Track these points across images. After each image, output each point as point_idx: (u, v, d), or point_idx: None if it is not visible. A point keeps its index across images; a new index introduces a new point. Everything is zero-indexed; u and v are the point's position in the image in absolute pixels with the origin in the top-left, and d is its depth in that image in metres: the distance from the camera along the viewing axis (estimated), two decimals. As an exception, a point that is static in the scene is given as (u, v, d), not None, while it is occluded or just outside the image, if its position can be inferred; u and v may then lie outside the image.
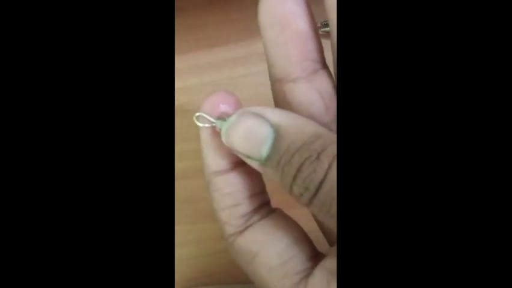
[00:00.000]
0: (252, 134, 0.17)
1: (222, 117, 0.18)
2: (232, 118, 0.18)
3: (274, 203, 0.21)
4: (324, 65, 0.19)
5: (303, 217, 0.20)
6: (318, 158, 0.16)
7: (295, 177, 0.16)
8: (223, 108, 0.18)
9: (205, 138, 0.19)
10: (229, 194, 0.19)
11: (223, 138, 0.18)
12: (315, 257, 0.19)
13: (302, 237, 0.19)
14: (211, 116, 0.18)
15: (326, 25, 0.32)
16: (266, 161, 0.17)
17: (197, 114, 0.19)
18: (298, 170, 0.16)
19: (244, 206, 0.19)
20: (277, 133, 0.17)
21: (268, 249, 0.18)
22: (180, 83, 0.34)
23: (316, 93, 0.19)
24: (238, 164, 0.19)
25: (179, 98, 0.34)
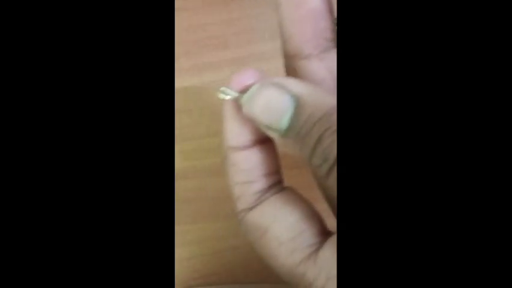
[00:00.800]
0: (273, 104, 0.17)
1: (245, 90, 0.18)
2: (254, 88, 0.18)
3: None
4: (335, 46, 0.19)
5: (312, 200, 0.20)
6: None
7: (314, 148, 0.16)
8: (249, 82, 0.18)
9: (227, 111, 0.19)
10: (245, 170, 0.19)
11: (244, 109, 0.18)
12: (325, 233, 0.19)
13: (312, 213, 0.19)
14: (234, 90, 0.18)
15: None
16: (286, 131, 0.17)
17: (221, 88, 0.18)
18: (318, 140, 0.16)
19: (259, 184, 0.19)
20: (298, 103, 0.17)
21: (279, 224, 0.18)
22: (180, 83, 0.34)
23: (327, 71, 0.19)
24: (257, 141, 0.19)
25: (180, 98, 0.34)
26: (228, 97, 0.18)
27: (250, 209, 0.19)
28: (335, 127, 0.16)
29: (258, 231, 0.19)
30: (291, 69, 0.20)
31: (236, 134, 0.19)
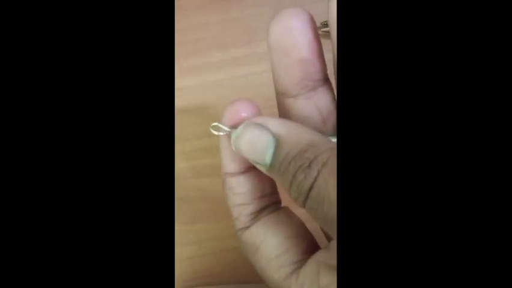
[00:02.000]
0: (256, 143, 0.19)
1: (236, 126, 0.20)
2: (239, 129, 0.20)
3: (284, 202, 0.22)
4: (325, 82, 0.21)
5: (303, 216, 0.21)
6: (309, 166, 0.17)
7: (291, 182, 0.18)
8: (240, 116, 0.20)
9: (223, 142, 0.21)
10: (240, 193, 0.21)
11: (233, 146, 0.20)
12: (310, 251, 0.20)
13: (301, 232, 0.21)
14: (225, 125, 0.20)
15: (326, 25, 0.32)
16: (270, 167, 0.19)
17: (213, 124, 0.20)
18: (294, 176, 0.18)
19: (252, 206, 0.21)
20: (278, 142, 0.18)
21: (268, 242, 0.20)
22: (180, 83, 0.34)
23: (314, 108, 0.21)
24: (251, 168, 0.21)
25: (179, 98, 0.34)
26: (220, 133, 0.20)
27: (246, 228, 0.21)
28: (307, 164, 0.17)
29: (252, 248, 0.21)
30: (281, 104, 0.21)
31: (230, 161, 0.21)
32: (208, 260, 0.33)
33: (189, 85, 0.35)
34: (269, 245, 0.20)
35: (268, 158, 0.19)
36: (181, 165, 0.34)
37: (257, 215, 0.21)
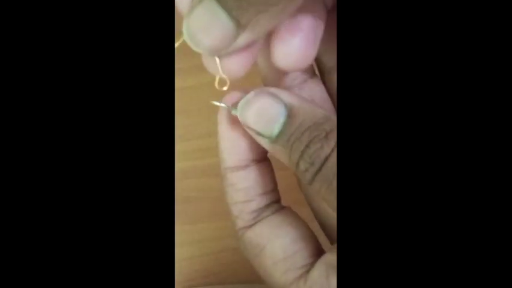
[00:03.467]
0: (266, 111, 0.18)
1: (236, 104, 0.19)
2: (249, 95, 0.19)
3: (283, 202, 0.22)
4: (313, 75, 0.21)
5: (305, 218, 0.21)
6: (326, 136, 0.17)
7: (303, 152, 0.17)
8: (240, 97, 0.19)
9: (223, 133, 0.20)
10: (242, 189, 0.20)
11: (238, 114, 0.19)
12: (317, 254, 0.19)
13: (307, 234, 0.20)
14: (228, 104, 0.19)
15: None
16: (277, 137, 0.18)
17: (214, 102, 0.20)
18: (307, 146, 0.17)
19: (256, 203, 0.20)
20: (291, 112, 0.18)
21: (274, 243, 0.19)
22: (180, 83, 0.34)
23: (308, 98, 0.20)
24: (253, 161, 0.20)
25: (179, 98, 0.34)
26: (222, 105, 0.19)
27: (249, 227, 0.20)
28: (323, 135, 0.17)
29: (255, 249, 0.19)
30: None
31: (232, 154, 0.20)
32: (208, 260, 0.33)
33: (189, 85, 0.35)
34: (275, 246, 0.19)
35: (276, 129, 0.18)
36: (181, 165, 0.34)
37: (260, 213, 0.20)
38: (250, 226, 0.20)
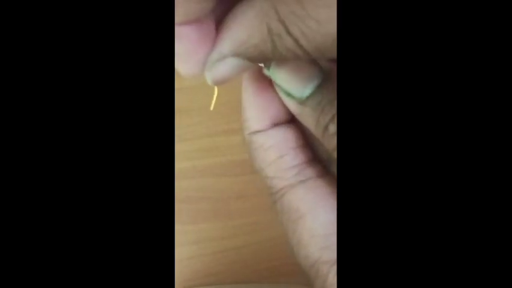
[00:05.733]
0: (301, 70, 0.17)
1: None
2: None
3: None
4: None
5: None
6: None
7: (334, 116, 0.16)
8: None
9: (248, 96, 0.19)
10: (273, 146, 0.18)
11: (271, 71, 0.18)
12: None
13: None
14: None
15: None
16: (307, 99, 0.17)
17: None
18: None
19: (291, 156, 0.18)
20: (326, 76, 0.17)
21: (317, 215, 0.18)
22: (180, 83, 0.34)
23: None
24: (280, 124, 0.19)
25: (179, 98, 0.34)
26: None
27: (290, 187, 0.18)
28: None
29: (293, 214, 0.18)
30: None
31: (258, 118, 0.18)
32: (208, 260, 0.33)
33: (189, 85, 0.35)
34: (317, 219, 0.17)
35: (308, 89, 0.17)
36: (181, 165, 0.34)
37: (301, 169, 0.18)
38: (293, 186, 0.18)
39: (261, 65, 0.18)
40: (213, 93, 0.18)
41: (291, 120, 0.19)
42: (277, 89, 0.18)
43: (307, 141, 0.19)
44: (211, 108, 0.17)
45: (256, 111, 0.19)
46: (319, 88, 0.17)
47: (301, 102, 0.17)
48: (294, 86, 0.17)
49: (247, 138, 0.19)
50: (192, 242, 0.33)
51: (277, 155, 0.18)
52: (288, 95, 0.17)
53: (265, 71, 0.18)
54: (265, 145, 0.18)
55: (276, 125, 0.19)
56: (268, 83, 0.18)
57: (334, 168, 0.19)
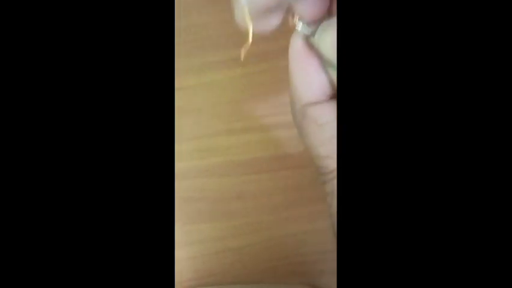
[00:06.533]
0: None
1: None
2: (333, 20, 0.17)
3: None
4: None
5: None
6: None
7: None
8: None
9: (297, 69, 0.18)
10: (328, 123, 0.17)
11: (316, 36, 0.17)
12: None
13: None
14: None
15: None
16: None
17: (297, 24, 0.18)
18: None
19: None
20: None
21: None
22: (180, 83, 0.34)
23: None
24: (332, 96, 0.18)
25: (179, 98, 0.34)
26: (299, 28, 0.18)
27: None
28: None
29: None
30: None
31: (309, 89, 0.17)
32: (209, 260, 0.33)
33: (189, 85, 0.35)
34: None
35: None
36: (181, 165, 0.34)
37: None
38: None
39: (304, 30, 0.17)
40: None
41: None
42: (320, 55, 0.17)
43: None
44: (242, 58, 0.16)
45: (305, 79, 0.18)
46: None
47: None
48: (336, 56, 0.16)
49: (299, 111, 0.18)
50: (192, 242, 0.33)
51: (333, 133, 0.17)
52: (330, 65, 0.17)
53: (312, 40, 0.17)
54: (320, 120, 0.17)
55: (329, 96, 0.18)
56: (312, 52, 0.18)
57: None
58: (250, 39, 0.18)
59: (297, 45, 0.18)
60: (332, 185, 0.17)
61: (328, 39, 0.17)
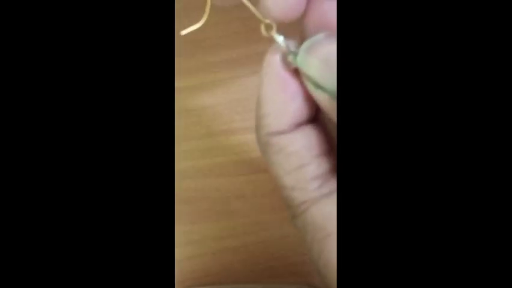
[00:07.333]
0: (336, 60, 0.15)
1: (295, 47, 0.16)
2: (318, 36, 0.15)
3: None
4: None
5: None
6: None
7: None
8: (330, 19, 0.15)
9: (268, 88, 0.17)
10: (295, 152, 0.16)
11: (298, 59, 0.16)
12: None
13: None
14: (283, 38, 0.16)
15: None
16: None
17: (275, 34, 0.16)
18: None
19: (314, 166, 0.16)
20: None
21: None
22: (180, 83, 0.34)
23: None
24: (302, 124, 0.17)
25: (179, 98, 0.34)
26: (280, 42, 0.16)
27: (314, 201, 0.16)
28: None
29: (319, 233, 0.16)
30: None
31: (278, 117, 0.16)
32: (208, 260, 0.33)
33: (189, 85, 0.35)
34: None
35: None
36: (181, 165, 0.34)
37: (325, 181, 0.16)
38: (316, 201, 0.16)
39: (284, 47, 0.16)
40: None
41: (315, 119, 0.17)
42: (305, 80, 0.16)
43: (331, 144, 0.17)
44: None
45: (277, 106, 0.16)
46: None
47: (335, 96, 0.15)
48: (326, 77, 0.15)
49: (263, 139, 0.17)
50: (192, 242, 0.33)
51: (299, 164, 0.16)
52: (319, 87, 0.15)
53: (291, 58, 0.16)
54: (286, 150, 0.16)
55: (298, 125, 0.17)
56: (291, 73, 0.16)
57: None
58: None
59: (273, 64, 0.17)
60: (304, 221, 0.16)
61: (315, 58, 0.15)
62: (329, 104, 0.15)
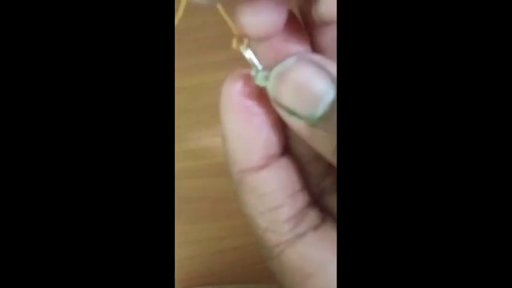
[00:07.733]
0: (310, 85, 0.14)
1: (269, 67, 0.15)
2: (289, 61, 0.15)
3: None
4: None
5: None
6: None
7: None
8: (291, 50, 0.15)
9: (233, 128, 0.16)
10: (268, 194, 0.16)
11: (271, 84, 0.15)
12: None
13: None
14: (256, 58, 0.15)
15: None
16: (319, 120, 0.14)
17: (248, 55, 0.15)
18: None
19: (287, 208, 0.16)
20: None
21: (328, 271, 0.15)
22: (180, 83, 0.34)
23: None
24: (274, 157, 0.16)
25: (179, 98, 0.34)
26: (248, 55, 0.15)
27: (289, 243, 0.15)
28: None
29: (298, 274, 0.15)
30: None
31: (247, 152, 0.16)
32: (208, 260, 0.33)
33: (189, 85, 0.35)
34: (330, 274, 0.15)
35: (321, 109, 0.14)
36: (181, 165, 0.34)
37: (297, 222, 0.16)
38: (291, 243, 0.15)
39: (254, 74, 0.15)
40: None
41: (286, 150, 0.17)
42: (276, 106, 0.15)
43: (304, 176, 0.17)
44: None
45: (243, 141, 0.16)
46: (333, 105, 0.14)
47: (312, 123, 0.14)
48: (301, 104, 0.14)
49: (236, 176, 0.16)
50: (192, 242, 0.33)
51: (272, 206, 0.16)
52: (293, 114, 0.15)
53: (260, 81, 0.15)
54: (258, 191, 0.16)
55: (270, 158, 0.16)
56: (254, 97, 0.16)
57: (327, 200, 0.17)
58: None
59: (233, 94, 0.16)
60: (280, 263, 0.16)
61: (288, 85, 0.14)
62: (305, 130, 0.15)
